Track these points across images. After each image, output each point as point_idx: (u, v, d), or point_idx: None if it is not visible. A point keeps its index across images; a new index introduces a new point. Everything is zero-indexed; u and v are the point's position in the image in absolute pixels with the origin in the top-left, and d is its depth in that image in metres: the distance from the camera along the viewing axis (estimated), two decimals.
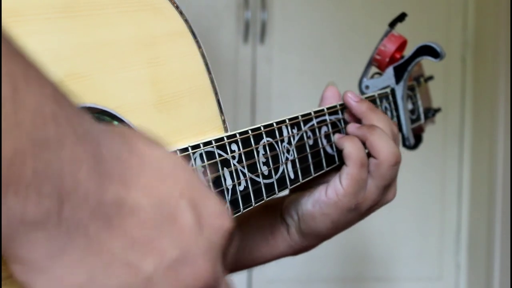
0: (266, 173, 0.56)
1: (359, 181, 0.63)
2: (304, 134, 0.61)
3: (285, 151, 0.59)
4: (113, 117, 0.45)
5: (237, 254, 0.72)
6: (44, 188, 0.28)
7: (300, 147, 0.61)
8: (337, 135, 0.65)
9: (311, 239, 0.69)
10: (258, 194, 0.55)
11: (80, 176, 0.30)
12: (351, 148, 0.63)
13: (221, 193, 0.51)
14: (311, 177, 0.62)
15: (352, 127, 0.66)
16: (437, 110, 0.86)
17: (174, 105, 0.51)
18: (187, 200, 0.35)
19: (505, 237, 2.18)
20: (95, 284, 0.31)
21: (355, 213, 0.66)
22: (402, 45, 0.75)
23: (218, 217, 0.37)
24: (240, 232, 0.72)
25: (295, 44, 2.33)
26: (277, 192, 0.57)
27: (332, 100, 0.68)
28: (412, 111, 0.80)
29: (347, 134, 0.67)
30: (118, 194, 0.32)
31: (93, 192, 0.30)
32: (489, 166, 2.29)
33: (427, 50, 0.72)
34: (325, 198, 0.64)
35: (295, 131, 0.60)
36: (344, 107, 0.68)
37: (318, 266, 2.40)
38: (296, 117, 0.61)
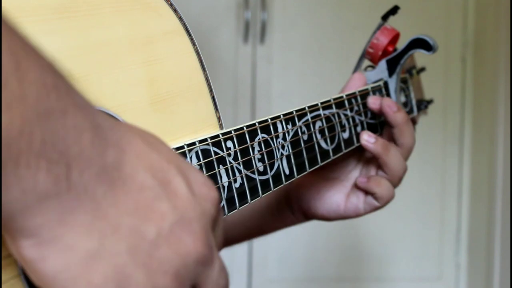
0: (261, 169, 0.56)
1: (382, 205, 0.73)
2: (299, 130, 0.62)
3: (280, 147, 0.59)
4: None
5: (247, 230, 0.79)
6: (52, 155, 0.29)
7: (295, 143, 0.61)
8: (362, 179, 0.72)
9: (314, 219, 0.77)
10: (253, 191, 0.55)
11: (83, 142, 0.31)
12: (383, 192, 0.71)
13: (217, 191, 0.51)
14: (305, 173, 0.62)
15: (368, 141, 0.70)
16: (430, 102, 0.86)
17: (169, 104, 0.51)
18: (175, 167, 0.36)
19: (505, 237, 2.18)
20: (106, 249, 0.31)
21: None
22: (395, 38, 0.75)
23: (205, 185, 0.38)
24: (251, 209, 0.78)
25: (295, 44, 2.33)
26: (272, 188, 0.57)
27: (358, 83, 0.74)
28: (405, 104, 0.80)
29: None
30: (116, 158, 0.33)
31: (96, 157, 0.31)
32: (489, 166, 2.29)
33: (419, 43, 0.73)
34: (343, 212, 0.74)
35: (289, 126, 0.60)
36: (338, 101, 0.68)
37: (318, 266, 2.40)
38: (291, 113, 0.61)
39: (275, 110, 2.27)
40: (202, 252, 0.35)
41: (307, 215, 0.77)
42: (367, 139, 0.70)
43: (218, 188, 0.51)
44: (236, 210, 0.53)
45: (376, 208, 0.73)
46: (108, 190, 0.32)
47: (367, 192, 0.72)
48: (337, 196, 0.74)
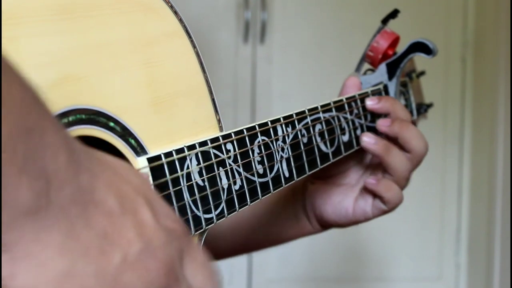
0: (261, 171, 0.56)
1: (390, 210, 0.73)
2: (299, 133, 0.62)
3: (279, 149, 0.59)
4: (109, 118, 0.46)
5: (267, 234, 0.79)
6: (33, 171, 0.30)
7: (294, 146, 0.61)
8: (371, 180, 0.72)
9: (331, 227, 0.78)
10: (253, 193, 0.55)
11: (60, 161, 0.31)
12: (391, 196, 0.71)
13: (217, 193, 0.51)
14: (305, 175, 0.62)
15: (383, 125, 0.71)
16: (429, 106, 0.86)
17: (170, 106, 0.51)
18: (142, 198, 0.37)
19: (505, 237, 2.18)
20: (76, 270, 0.32)
21: None
22: (395, 42, 0.76)
23: (170, 218, 0.39)
24: (270, 214, 0.78)
25: (295, 44, 2.33)
26: (272, 191, 0.57)
27: (352, 89, 0.74)
28: (405, 107, 0.80)
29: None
30: (90, 182, 0.33)
31: (71, 177, 0.32)
32: (489, 166, 2.29)
33: (419, 47, 0.73)
34: (351, 217, 0.74)
35: (289, 129, 0.60)
36: (338, 104, 0.68)
37: (317, 266, 2.40)
38: (291, 116, 0.61)
39: (275, 110, 2.27)
40: (164, 281, 0.36)
41: (322, 223, 0.77)
42: (367, 140, 0.70)
43: (218, 191, 0.51)
44: (236, 212, 0.53)
45: (384, 212, 0.73)
46: (81, 212, 0.32)
47: (375, 195, 0.72)
48: (345, 201, 0.75)
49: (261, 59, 2.30)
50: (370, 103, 0.72)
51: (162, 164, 0.47)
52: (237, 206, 0.53)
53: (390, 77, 0.75)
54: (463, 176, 2.46)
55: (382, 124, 0.71)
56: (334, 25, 2.34)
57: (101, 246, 0.33)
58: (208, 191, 0.50)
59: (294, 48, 2.33)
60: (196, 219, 0.49)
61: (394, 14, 0.75)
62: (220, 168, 0.51)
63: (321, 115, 0.65)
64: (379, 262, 2.45)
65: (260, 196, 0.56)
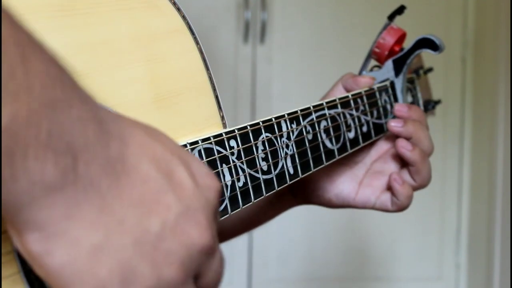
0: (265, 168, 0.56)
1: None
2: (303, 129, 0.61)
3: (284, 146, 0.58)
4: None
5: (241, 221, 0.77)
6: (59, 147, 0.29)
7: (299, 142, 0.60)
8: (398, 179, 0.70)
9: (315, 204, 0.76)
10: (257, 190, 0.55)
11: (88, 134, 0.31)
12: (405, 201, 0.70)
13: (219, 181, 0.51)
14: (310, 172, 0.62)
15: (396, 126, 0.69)
16: (437, 102, 0.85)
17: (172, 102, 0.51)
18: (178, 158, 0.36)
19: (505, 237, 2.18)
20: (111, 243, 0.32)
21: None
22: (401, 38, 0.75)
23: (208, 176, 0.38)
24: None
25: (295, 44, 2.33)
26: (276, 187, 0.57)
27: (338, 94, 0.72)
28: (412, 104, 0.80)
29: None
30: (120, 150, 0.33)
31: (101, 149, 0.31)
32: (489, 166, 2.29)
33: (426, 43, 0.72)
34: (351, 200, 0.72)
35: (294, 126, 0.60)
36: (343, 101, 0.68)
37: (318, 266, 2.40)
38: (295, 112, 0.60)
39: (275, 110, 2.27)
40: (206, 243, 0.35)
41: (309, 198, 0.74)
42: (395, 124, 0.69)
43: (221, 187, 0.51)
44: (239, 209, 0.53)
45: (385, 211, 0.71)
46: (112, 183, 0.32)
47: (390, 190, 0.71)
48: (349, 183, 0.72)
49: (261, 59, 2.30)
50: (393, 124, 0.70)
51: None
52: (240, 203, 0.53)
53: (397, 74, 0.75)
54: (463, 176, 2.46)
55: (394, 125, 0.69)
56: (334, 25, 2.34)
57: (137, 215, 0.33)
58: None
59: (294, 48, 2.33)
60: None
61: (400, 10, 0.75)
62: (224, 165, 0.51)
63: (326, 111, 0.65)
64: (379, 262, 2.45)
65: (264, 193, 0.55)
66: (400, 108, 0.70)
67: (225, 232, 0.78)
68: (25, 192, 0.29)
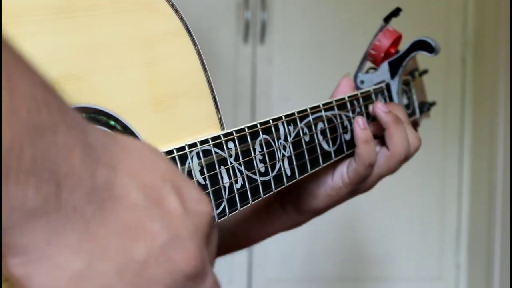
0: (262, 170, 0.56)
1: (364, 176, 0.69)
2: (300, 131, 0.61)
3: (281, 148, 0.59)
4: (110, 116, 0.46)
5: (233, 236, 0.75)
6: (42, 173, 0.29)
7: (296, 144, 0.61)
8: (358, 127, 0.67)
9: (307, 215, 0.73)
10: (255, 192, 0.55)
11: (73, 161, 0.30)
12: (364, 150, 0.67)
13: (218, 191, 0.51)
14: (307, 174, 0.62)
15: (380, 110, 0.68)
16: (432, 104, 0.86)
17: (171, 105, 0.51)
18: (170, 185, 0.36)
19: (505, 237, 2.18)
20: (94, 270, 0.31)
21: (355, 194, 0.72)
22: (397, 40, 0.75)
23: (200, 202, 0.38)
24: (232, 217, 0.74)
25: (295, 44, 2.33)
26: (273, 189, 0.57)
27: (346, 88, 0.72)
28: (407, 106, 0.80)
29: (366, 115, 0.71)
30: (108, 178, 0.32)
31: (86, 176, 0.31)
32: (489, 166, 2.29)
33: (422, 45, 0.73)
34: (331, 183, 0.69)
35: (291, 127, 0.60)
36: (340, 103, 0.68)
37: (318, 266, 2.40)
38: (292, 114, 0.61)
39: (275, 110, 2.27)
40: (193, 269, 0.35)
41: (299, 206, 0.72)
42: (381, 107, 0.68)
43: (219, 189, 0.51)
44: (237, 210, 0.53)
45: (357, 173, 0.68)
46: (97, 210, 0.32)
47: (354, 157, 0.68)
48: (326, 175, 0.70)
49: (261, 59, 2.30)
50: (380, 106, 0.69)
51: None
52: (238, 205, 0.53)
53: (392, 76, 0.75)
54: (463, 176, 2.46)
55: (380, 107, 0.68)
56: (334, 25, 2.34)
57: (122, 243, 0.32)
58: (209, 189, 0.50)
59: (294, 48, 2.33)
60: None
61: (396, 12, 0.75)
62: (222, 167, 0.51)
63: (323, 113, 0.65)
64: (379, 262, 2.45)
65: (262, 195, 0.56)
66: (379, 105, 0.69)
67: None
68: (5, 216, 0.28)
